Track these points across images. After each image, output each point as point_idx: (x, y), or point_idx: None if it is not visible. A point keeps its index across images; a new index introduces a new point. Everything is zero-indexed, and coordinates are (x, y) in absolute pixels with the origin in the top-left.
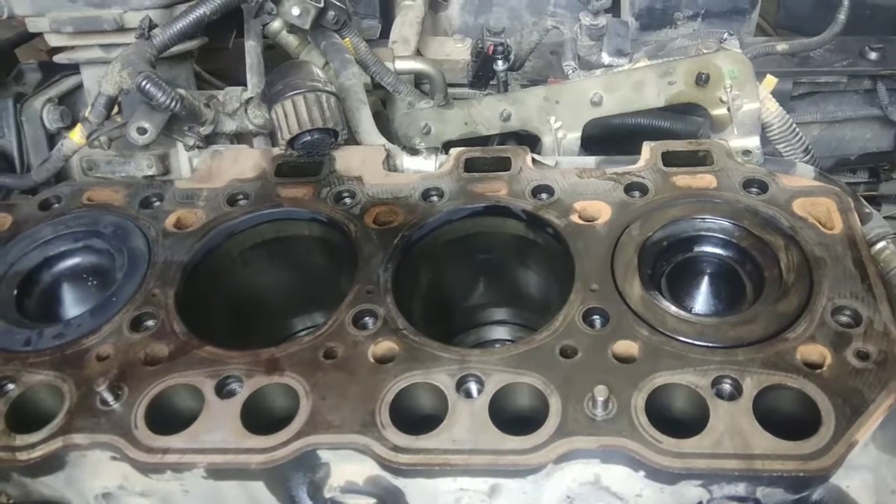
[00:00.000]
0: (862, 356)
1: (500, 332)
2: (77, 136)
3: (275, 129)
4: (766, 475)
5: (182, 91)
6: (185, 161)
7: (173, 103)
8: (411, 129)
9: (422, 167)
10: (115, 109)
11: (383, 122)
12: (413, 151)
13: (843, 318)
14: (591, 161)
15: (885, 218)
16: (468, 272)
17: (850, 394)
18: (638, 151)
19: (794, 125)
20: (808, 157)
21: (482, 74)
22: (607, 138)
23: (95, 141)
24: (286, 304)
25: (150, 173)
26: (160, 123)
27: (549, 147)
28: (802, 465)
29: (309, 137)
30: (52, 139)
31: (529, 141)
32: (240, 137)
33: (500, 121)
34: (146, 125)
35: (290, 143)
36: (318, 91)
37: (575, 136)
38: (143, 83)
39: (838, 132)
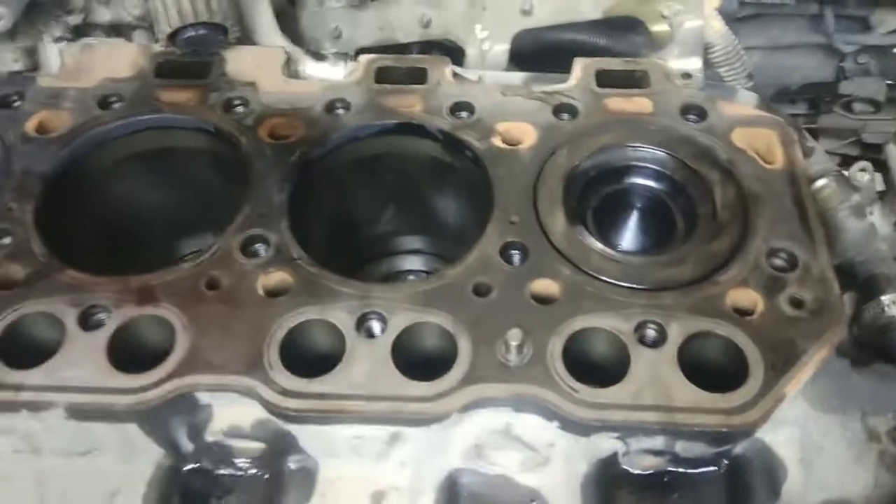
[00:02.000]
0: (796, 303)
1: (412, 263)
2: None
3: (154, 22)
4: (687, 430)
5: None
6: (56, 56)
7: None
8: (319, 32)
9: (327, 75)
10: None
11: (288, 23)
12: (318, 56)
13: (778, 262)
14: (517, 78)
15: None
16: (377, 196)
17: (782, 344)
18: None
19: (740, 48)
20: (750, 83)
21: None
22: (539, 54)
23: None
24: (167, 225)
25: (15, 68)
26: (18, 8)
27: (473, 60)
28: (726, 419)
29: (193, 33)
30: None
31: (454, 54)
32: (117, 30)
33: (420, 27)
34: (1, 9)
35: (171, 37)
36: None
37: (502, 48)
38: None
39: (781, 59)
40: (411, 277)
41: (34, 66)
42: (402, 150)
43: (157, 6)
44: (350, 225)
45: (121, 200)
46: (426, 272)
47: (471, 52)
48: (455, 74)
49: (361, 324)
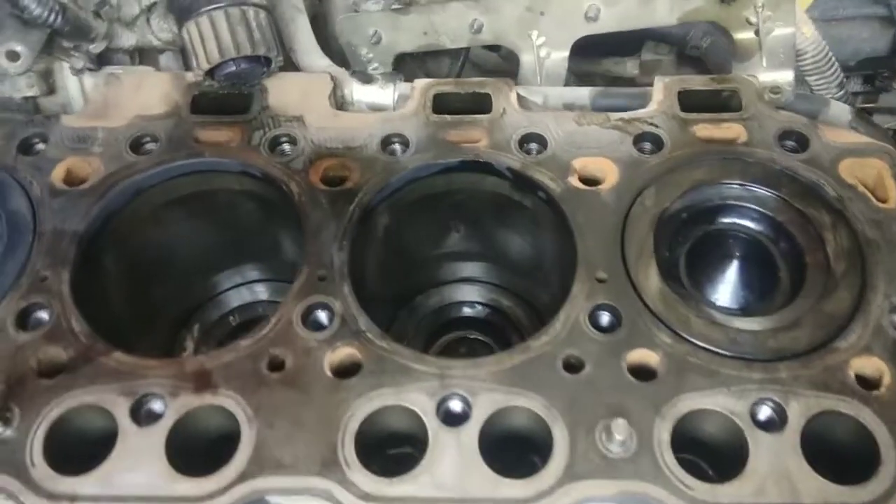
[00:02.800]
0: None
1: (466, 293)
2: None
3: (188, 53)
4: None
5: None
6: (74, 83)
7: (52, 16)
8: (356, 37)
9: (376, 99)
10: None
11: (320, 26)
12: (365, 79)
13: None
14: (584, 94)
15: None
16: (434, 230)
17: None
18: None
19: (830, 54)
20: (841, 92)
21: None
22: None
23: None
24: (205, 262)
25: (29, 94)
26: (37, 44)
27: (528, 67)
28: None
29: (234, 68)
30: None
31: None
32: (141, 52)
33: (470, 32)
34: (18, 48)
35: (210, 73)
36: (244, 4)
37: (561, 55)
38: None
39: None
40: (467, 310)
41: (49, 90)
42: (465, 187)
43: (193, 40)
44: (401, 258)
45: (156, 245)
46: (481, 303)
47: (526, 59)
48: (519, 97)
49: (442, 408)
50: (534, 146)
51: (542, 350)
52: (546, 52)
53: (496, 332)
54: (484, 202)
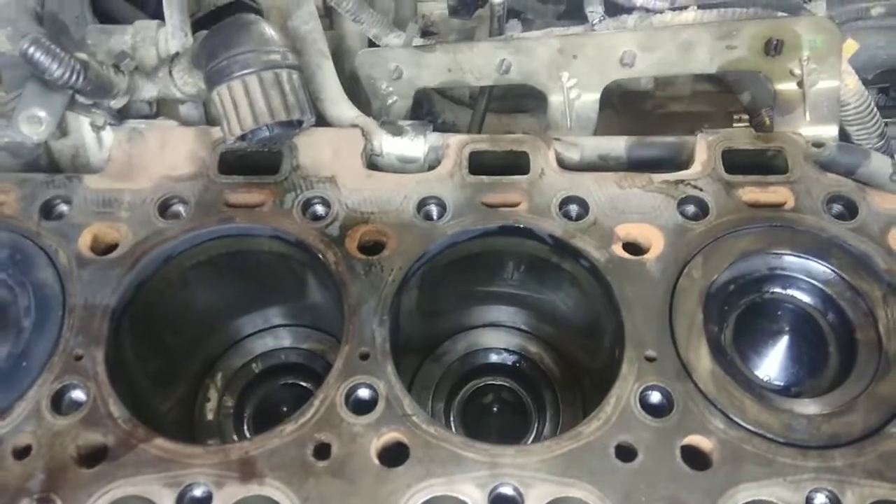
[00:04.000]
0: None
1: (492, 338)
2: None
3: (219, 117)
4: None
5: (83, 57)
6: (87, 123)
7: (74, 76)
8: (377, 70)
9: (406, 151)
10: None
11: (340, 59)
12: (395, 130)
13: None
14: (620, 146)
15: None
16: (467, 286)
17: None
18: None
19: (872, 104)
20: (881, 142)
21: (470, 1)
22: None
23: None
24: (228, 312)
25: (40, 138)
26: (60, 108)
27: (556, 107)
28: None
29: (267, 133)
30: None
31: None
32: (160, 101)
33: (497, 72)
34: (41, 113)
35: (242, 136)
36: (278, 67)
37: (592, 97)
38: (30, 50)
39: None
40: (494, 357)
41: (62, 133)
42: (503, 249)
43: (225, 105)
44: (430, 313)
45: (179, 304)
46: (508, 350)
47: (554, 100)
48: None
49: (494, 500)
50: (574, 209)
51: (593, 436)
52: (576, 93)
53: (524, 379)
54: (520, 261)
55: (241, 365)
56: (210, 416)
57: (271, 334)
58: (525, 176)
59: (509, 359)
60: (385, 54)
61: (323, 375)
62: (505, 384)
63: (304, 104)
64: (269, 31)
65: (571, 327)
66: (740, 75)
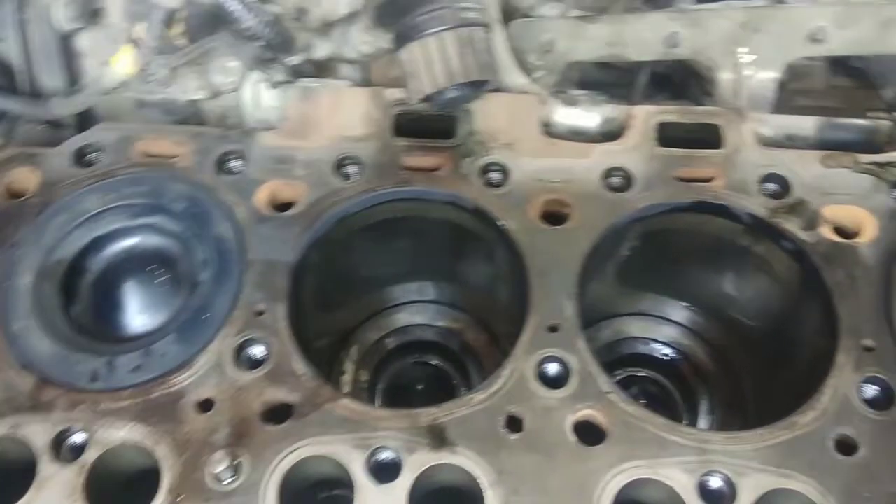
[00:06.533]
0: None
1: (649, 329)
2: (124, 62)
3: (408, 75)
4: None
5: (274, 9)
6: (250, 89)
7: (265, 28)
8: (526, 42)
9: (579, 122)
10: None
11: None
12: (568, 100)
13: None
14: (809, 126)
15: None
16: (643, 266)
17: None
18: None
19: None
20: None
21: None
22: None
23: (150, 75)
24: (376, 282)
25: (196, 96)
26: (250, 59)
27: (727, 86)
28: None
29: (456, 93)
30: (67, 43)
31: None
32: (319, 63)
33: (664, 46)
34: (233, 63)
35: (427, 97)
36: (473, 25)
37: (769, 76)
38: None
39: None
40: (641, 347)
41: (214, 94)
42: (693, 228)
43: (416, 62)
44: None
45: (338, 269)
46: (663, 342)
47: (723, 78)
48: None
49: (704, 489)
50: (775, 187)
51: (810, 427)
52: (752, 71)
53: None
54: (703, 243)
55: (376, 339)
56: (346, 390)
57: (408, 309)
58: (720, 150)
59: (663, 353)
60: (541, 25)
61: (459, 354)
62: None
63: (494, 65)
64: None
65: (745, 319)
66: (885, 69)
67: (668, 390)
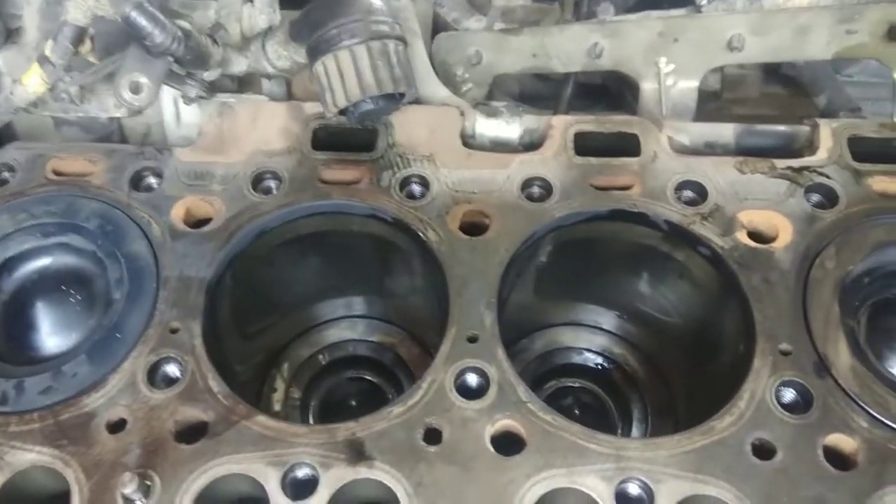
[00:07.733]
0: None
1: (579, 338)
2: (33, 81)
3: (323, 89)
4: None
5: (185, 25)
6: (167, 98)
7: (175, 44)
8: (453, 56)
9: (500, 133)
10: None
11: None
12: (489, 111)
13: None
14: (727, 133)
15: None
16: (564, 275)
17: None
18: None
19: None
20: None
21: None
22: None
23: (62, 93)
24: (302, 298)
25: (117, 114)
26: (160, 75)
27: (650, 96)
28: None
29: (371, 106)
30: None
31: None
32: (241, 79)
33: (587, 57)
34: (142, 79)
35: (343, 110)
36: (386, 38)
37: (690, 85)
38: (133, 14)
39: None
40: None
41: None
42: (612, 236)
43: (330, 76)
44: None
45: (259, 285)
46: (593, 351)
47: (646, 87)
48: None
49: (622, 496)
50: (691, 194)
51: (727, 432)
52: (673, 80)
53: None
54: (623, 251)
55: (308, 356)
56: (278, 407)
57: (339, 325)
58: (636, 158)
59: (593, 361)
60: (466, 38)
61: (392, 369)
62: (588, 386)
63: (410, 77)
64: (377, 0)
65: (671, 324)
66: (817, 76)
67: (601, 399)
